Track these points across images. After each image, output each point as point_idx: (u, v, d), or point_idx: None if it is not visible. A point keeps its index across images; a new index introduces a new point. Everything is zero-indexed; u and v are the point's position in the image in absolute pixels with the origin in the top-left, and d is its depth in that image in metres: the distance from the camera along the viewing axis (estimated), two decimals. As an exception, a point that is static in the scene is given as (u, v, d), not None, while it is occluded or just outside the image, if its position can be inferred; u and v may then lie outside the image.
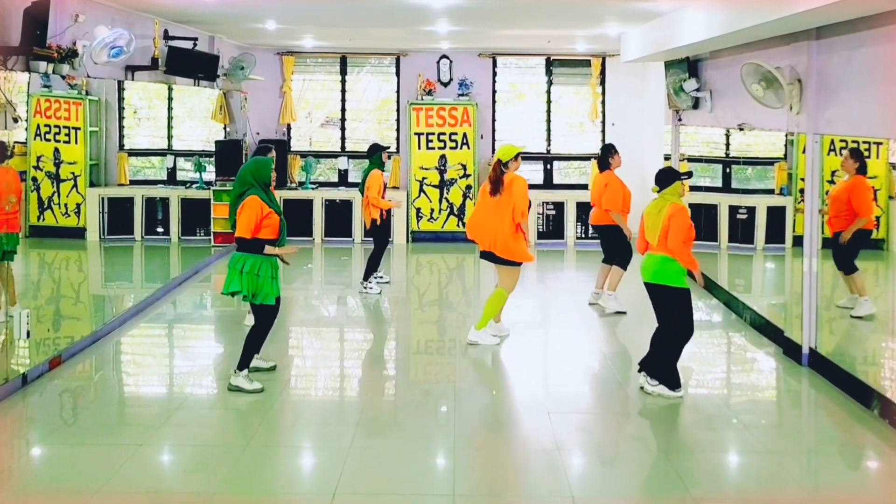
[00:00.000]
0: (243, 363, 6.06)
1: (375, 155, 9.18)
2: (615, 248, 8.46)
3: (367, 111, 13.42)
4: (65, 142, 9.91)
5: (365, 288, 9.14)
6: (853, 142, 8.39)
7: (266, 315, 6.07)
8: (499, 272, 7.29)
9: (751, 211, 9.54)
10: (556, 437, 5.27)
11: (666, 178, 5.97)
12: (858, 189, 7.23)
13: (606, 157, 8.48)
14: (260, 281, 5.86)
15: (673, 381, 5.94)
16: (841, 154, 8.69)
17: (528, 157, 13.12)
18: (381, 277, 9.43)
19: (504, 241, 7.08)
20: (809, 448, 5.45)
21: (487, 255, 7.23)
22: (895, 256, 7.64)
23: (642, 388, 6.03)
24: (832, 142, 8.61)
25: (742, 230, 9.57)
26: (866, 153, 8.35)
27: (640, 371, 6.09)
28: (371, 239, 9.45)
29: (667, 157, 10.86)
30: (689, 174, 6.20)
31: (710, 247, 10.05)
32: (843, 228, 7.13)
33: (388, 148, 10.13)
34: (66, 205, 9.95)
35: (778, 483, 4.81)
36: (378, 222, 9.00)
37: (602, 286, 8.58)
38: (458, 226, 12.32)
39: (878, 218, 8.31)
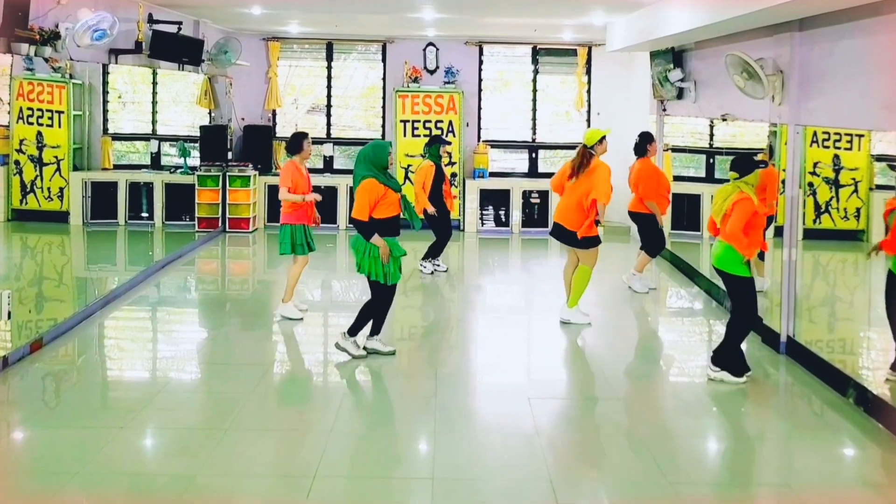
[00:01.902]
0: (354, 330, 6.41)
1: (434, 146, 9.22)
2: (646, 235, 8.64)
3: (353, 98, 13.39)
4: (48, 125, 9.86)
5: (423, 267, 9.53)
6: (836, 134, 8.47)
7: (387, 293, 6.35)
8: (576, 252, 7.40)
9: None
10: (536, 423, 5.32)
11: (745, 165, 5.89)
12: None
13: (644, 144, 8.55)
14: (380, 265, 6.17)
15: (736, 367, 5.99)
16: (823, 146, 8.77)
17: (514, 145, 13.19)
18: (439, 266, 9.63)
19: (570, 217, 7.22)
20: (785, 435, 5.51)
21: (556, 234, 7.39)
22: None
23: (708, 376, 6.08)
24: (814, 133, 8.69)
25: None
26: (847, 145, 8.44)
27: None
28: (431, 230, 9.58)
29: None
30: (766, 163, 6.15)
31: (692, 236, 10.13)
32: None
33: (449, 143, 10.17)
34: (49, 189, 9.91)
35: (753, 469, 4.89)
36: (430, 211, 9.17)
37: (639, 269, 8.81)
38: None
39: (858, 210, 8.40)
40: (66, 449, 4.85)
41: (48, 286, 8.73)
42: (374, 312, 6.41)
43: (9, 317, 6.19)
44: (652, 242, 8.68)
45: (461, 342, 7.13)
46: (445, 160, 12.36)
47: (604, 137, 7.34)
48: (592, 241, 7.31)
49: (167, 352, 7.15)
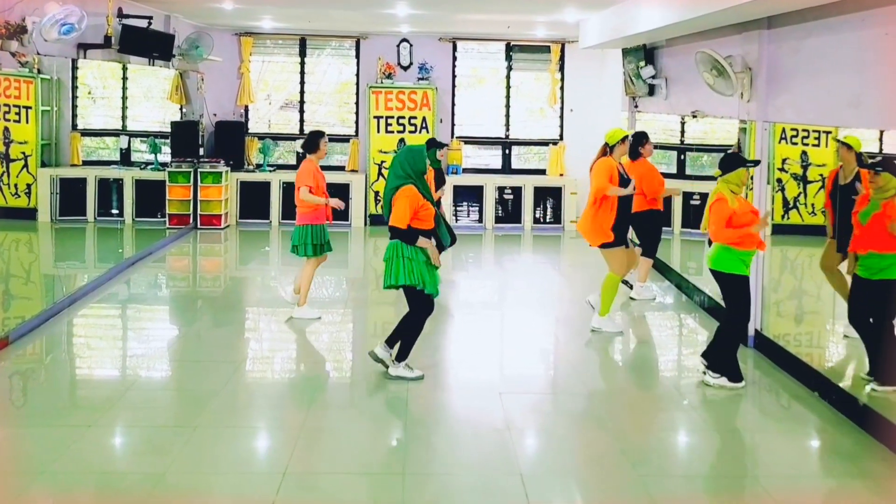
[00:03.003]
0: (402, 355, 5.95)
1: (431, 150, 9.00)
2: (642, 235, 8.52)
3: (327, 94, 13.34)
4: (15, 121, 9.70)
5: None
6: (804, 130, 8.57)
7: (426, 304, 5.90)
8: (604, 257, 7.23)
9: (704, 197, 9.68)
10: (507, 417, 5.34)
11: (729, 163, 5.77)
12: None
13: (637, 145, 8.25)
14: (418, 269, 5.73)
15: (733, 372, 5.90)
16: (791, 142, 8.87)
17: (487, 142, 13.21)
18: None
19: (585, 222, 7.13)
20: (752, 427, 5.59)
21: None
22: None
23: (704, 382, 5.97)
24: (783, 130, 8.80)
25: (695, 215, 9.73)
26: (815, 142, 8.55)
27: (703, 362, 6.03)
28: None
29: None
30: (757, 162, 6.04)
31: (664, 232, 10.19)
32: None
33: (447, 145, 9.89)
34: (16, 185, 9.75)
35: (722, 461, 4.95)
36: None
37: (644, 279, 8.57)
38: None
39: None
40: (32, 448, 4.79)
41: (15, 284, 8.60)
42: (415, 327, 5.93)
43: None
44: (651, 245, 8.49)
45: (433, 338, 7.13)
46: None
47: (626, 137, 7.22)
48: (609, 244, 7.08)
49: (137, 349, 7.08)
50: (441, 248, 6.10)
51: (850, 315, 5.75)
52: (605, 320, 7.27)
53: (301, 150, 7.65)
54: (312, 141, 7.53)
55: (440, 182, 8.97)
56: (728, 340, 5.95)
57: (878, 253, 5.44)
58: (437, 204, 8.79)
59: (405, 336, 5.96)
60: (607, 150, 7.21)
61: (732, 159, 5.85)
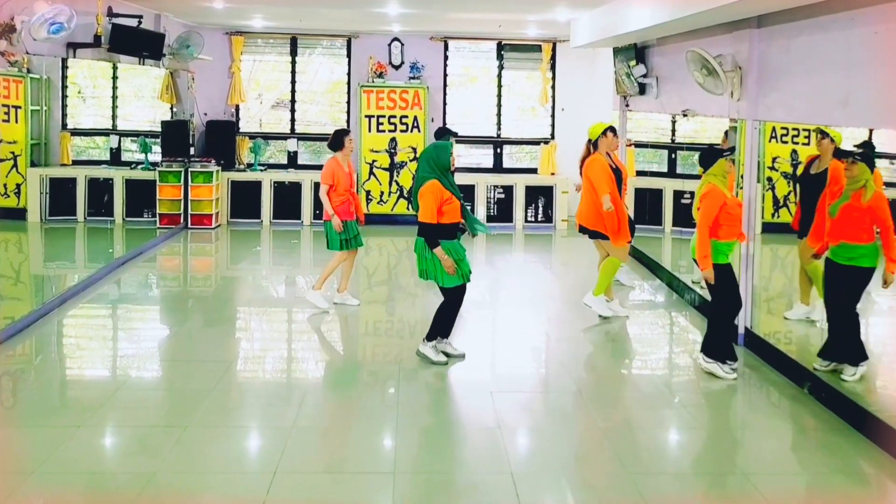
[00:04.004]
0: (432, 334, 6.28)
1: (444, 138, 9.01)
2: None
3: (318, 93, 13.32)
4: (4, 120, 9.67)
5: None
6: (794, 129, 8.60)
7: (457, 294, 6.17)
8: (602, 245, 7.47)
9: (694, 195, 9.72)
10: (498, 416, 5.34)
11: (708, 158, 5.98)
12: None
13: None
14: (439, 266, 5.99)
15: (725, 354, 6.05)
16: (782, 141, 8.91)
17: (479, 141, 13.21)
18: None
19: (591, 215, 7.30)
20: (742, 425, 5.61)
21: (582, 229, 7.47)
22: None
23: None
24: (773, 129, 8.83)
25: (686, 214, 9.75)
26: (805, 140, 8.58)
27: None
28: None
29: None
30: (733, 150, 6.15)
31: (654, 230, 10.24)
32: None
33: (457, 134, 9.95)
34: (5, 185, 9.72)
35: (712, 458, 4.97)
36: None
37: None
38: (407, 209, 12.32)
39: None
40: (22, 449, 4.77)
41: (4, 284, 8.56)
42: (448, 313, 6.25)
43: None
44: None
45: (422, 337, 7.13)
46: (410, 155, 12.38)
47: (608, 129, 7.35)
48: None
49: (127, 349, 7.06)
50: (472, 234, 6.31)
51: (825, 298, 5.98)
52: (598, 300, 7.47)
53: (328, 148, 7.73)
54: (338, 139, 7.66)
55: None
56: (719, 329, 6.06)
57: (849, 243, 5.64)
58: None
59: (438, 320, 6.29)
60: (591, 146, 7.27)
61: (709, 153, 6.05)
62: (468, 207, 6.26)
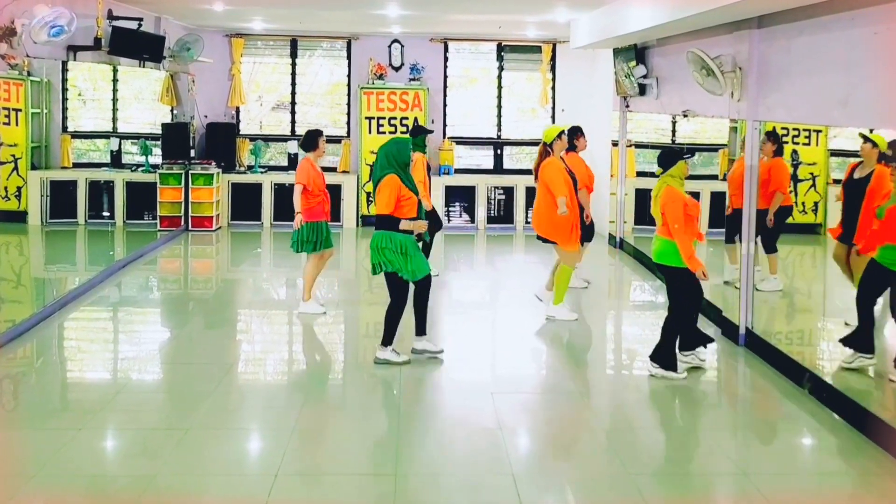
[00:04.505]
0: (387, 339, 6.21)
1: (419, 137, 8.97)
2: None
3: (318, 95, 13.32)
4: (5, 123, 9.67)
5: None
6: (794, 129, 8.59)
7: (404, 292, 6.14)
8: (555, 250, 7.46)
9: (695, 196, 9.70)
10: (499, 417, 5.34)
11: (667, 158, 5.98)
12: (778, 169, 7.47)
13: (572, 138, 8.48)
14: (404, 258, 5.97)
15: (673, 363, 6.02)
16: (782, 141, 8.90)
17: (479, 142, 13.22)
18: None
19: (543, 221, 7.29)
20: (743, 425, 5.60)
21: (539, 236, 7.47)
22: (831, 240, 7.88)
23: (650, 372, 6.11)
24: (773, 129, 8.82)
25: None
26: (805, 140, 8.58)
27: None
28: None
29: (614, 143, 11.02)
30: (692, 153, 6.21)
31: (654, 231, 10.22)
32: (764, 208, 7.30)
33: (432, 132, 9.96)
34: (6, 188, 9.72)
35: (713, 459, 4.96)
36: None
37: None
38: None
39: (816, 203, 8.55)
40: (23, 451, 4.77)
41: (5, 287, 8.56)
42: (398, 313, 6.18)
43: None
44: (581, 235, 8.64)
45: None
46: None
47: (562, 133, 7.37)
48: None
49: (128, 352, 7.06)
50: (422, 236, 6.26)
51: (858, 296, 5.91)
52: (559, 309, 7.49)
53: (299, 149, 7.66)
54: (311, 139, 7.58)
55: (428, 170, 9.07)
56: (673, 333, 6.03)
57: (895, 245, 5.62)
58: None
59: (391, 322, 6.19)
60: (547, 149, 7.27)
61: (670, 154, 6.04)
62: (423, 206, 6.23)
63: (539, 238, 7.53)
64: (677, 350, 6.14)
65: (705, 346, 6.19)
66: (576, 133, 8.58)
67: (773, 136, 7.46)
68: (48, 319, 7.29)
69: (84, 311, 7.83)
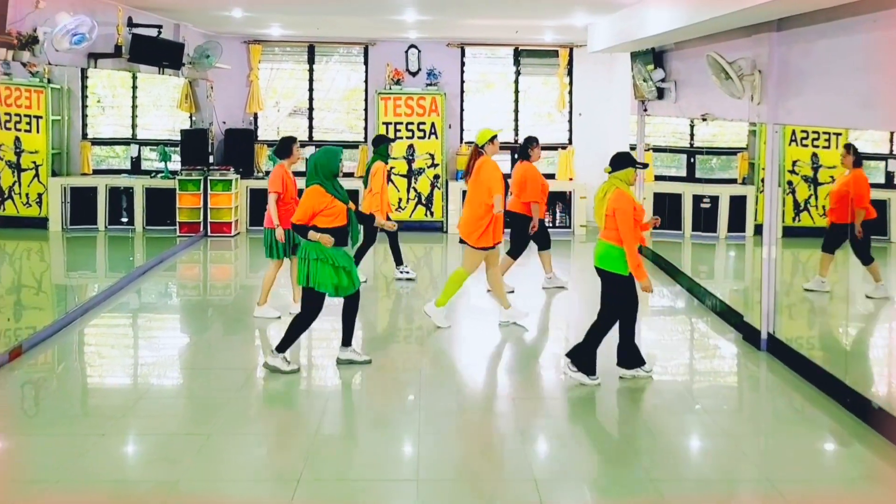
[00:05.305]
0: (283, 346, 6.20)
1: (381, 146, 9.07)
2: (517, 238, 8.63)
3: (336, 101, 13.37)
4: (26, 130, 9.75)
5: (401, 273, 9.28)
6: (814, 132, 8.53)
7: (314, 302, 6.11)
8: (463, 252, 7.37)
9: (714, 200, 9.67)
10: (520, 422, 5.32)
11: (620, 161, 5.97)
12: (858, 182, 7.35)
13: (527, 147, 8.59)
14: (324, 271, 5.98)
15: (590, 367, 5.96)
16: (802, 144, 8.84)
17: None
18: (408, 272, 9.38)
19: (467, 223, 7.21)
20: (766, 431, 5.55)
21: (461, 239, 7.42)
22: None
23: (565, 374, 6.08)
24: (793, 132, 8.76)
25: (705, 218, 9.70)
26: (825, 143, 8.51)
27: (622, 367, 6.14)
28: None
29: (632, 147, 10.97)
30: (645, 166, 6.19)
31: (674, 235, 10.18)
32: (845, 221, 7.18)
33: (394, 141, 10.08)
34: (27, 195, 9.80)
35: (736, 465, 4.92)
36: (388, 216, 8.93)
37: (549, 268, 8.95)
38: (425, 215, 12.36)
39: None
40: (45, 457, 4.79)
41: (27, 293, 8.64)
42: (303, 325, 6.16)
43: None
44: (519, 246, 8.61)
45: (444, 343, 7.12)
46: (428, 161, 12.42)
47: (495, 137, 7.36)
48: (484, 247, 7.24)
49: (148, 358, 7.09)
50: (345, 243, 6.18)
51: None
52: (438, 311, 7.41)
53: (272, 156, 7.73)
54: (285, 146, 7.64)
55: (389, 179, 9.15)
56: (597, 337, 5.95)
57: None
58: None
59: (348, 325, 6.32)
60: (479, 150, 7.27)
61: (623, 158, 6.01)
62: (353, 213, 6.20)
63: (461, 241, 7.47)
64: (618, 366, 6.11)
65: (645, 371, 6.09)
66: (531, 143, 8.61)
67: (851, 148, 7.33)
68: (70, 325, 7.34)
69: (105, 318, 7.88)
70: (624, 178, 5.91)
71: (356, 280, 6.22)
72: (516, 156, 8.99)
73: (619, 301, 5.92)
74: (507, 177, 7.75)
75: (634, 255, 5.76)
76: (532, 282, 9.31)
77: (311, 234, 5.98)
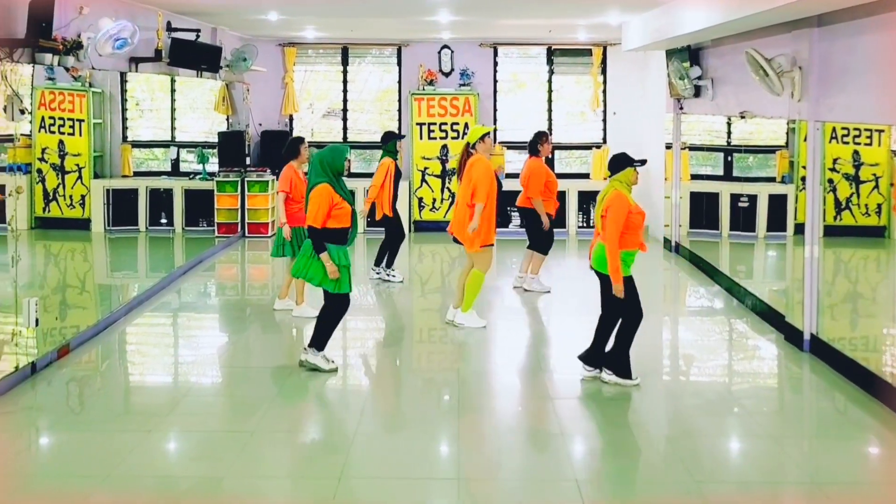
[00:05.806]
0: (318, 343, 6.17)
1: (390, 143, 9.09)
2: (534, 233, 8.62)
3: (369, 102, 13.44)
4: (69, 134, 9.93)
5: (378, 272, 9.20)
6: (855, 129, 8.40)
7: (339, 303, 6.12)
8: (471, 256, 7.32)
9: (752, 199, 9.55)
10: (560, 423, 5.32)
11: (618, 163, 5.89)
12: None
13: (536, 143, 8.55)
14: (311, 261, 5.95)
15: (625, 370, 5.92)
16: (843, 142, 8.71)
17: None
18: (395, 276, 9.24)
19: (461, 223, 7.19)
20: (810, 433, 5.49)
21: (455, 238, 7.38)
22: (896, 244, 7.68)
23: (598, 377, 6.01)
24: (833, 129, 8.64)
25: (744, 218, 9.59)
26: (867, 140, 8.38)
27: (587, 365, 6.07)
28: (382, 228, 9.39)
29: (668, 146, 10.91)
30: (643, 162, 6.14)
31: (711, 235, 10.08)
32: None
33: (403, 136, 10.10)
34: (70, 196, 9.98)
35: (779, 467, 4.87)
36: (390, 215, 8.96)
37: (526, 270, 8.85)
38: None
39: (879, 206, 8.33)
40: (93, 453, 4.90)
41: (72, 293, 8.82)
42: (330, 320, 6.15)
43: (37, 323, 6.28)
44: (540, 240, 8.62)
45: (481, 343, 7.14)
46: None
47: (486, 135, 7.28)
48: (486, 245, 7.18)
49: (190, 357, 7.20)
50: (344, 243, 6.13)
51: None
52: (466, 316, 7.34)
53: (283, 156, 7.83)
54: (293, 147, 7.75)
55: (398, 176, 9.11)
56: (626, 340, 5.89)
57: None
58: (395, 199, 8.92)
59: (322, 327, 6.16)
60: (469, 149, 7.19)
61: (621, 160, 5.92)
62: (357, 215, 6.15)
63: (454, 239, 7.43)
64: (579, 358, 6.07)
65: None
66: (540, 138, 8.55)
67: None
68: (115, 325, 7.48)
69: (147, 317, 8.01)
70: (624, 180, 5.84)
71: (349, 282, 6.08)
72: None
73: (619, 303, 5.84)
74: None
75: (615, 257, 5.69)
76: (568, 282, 9.29)
77: (324, 257, 5.88)
